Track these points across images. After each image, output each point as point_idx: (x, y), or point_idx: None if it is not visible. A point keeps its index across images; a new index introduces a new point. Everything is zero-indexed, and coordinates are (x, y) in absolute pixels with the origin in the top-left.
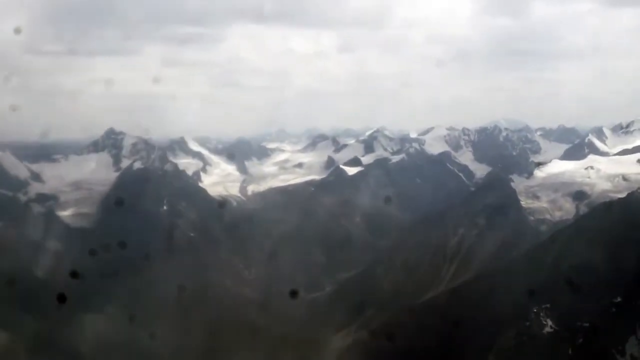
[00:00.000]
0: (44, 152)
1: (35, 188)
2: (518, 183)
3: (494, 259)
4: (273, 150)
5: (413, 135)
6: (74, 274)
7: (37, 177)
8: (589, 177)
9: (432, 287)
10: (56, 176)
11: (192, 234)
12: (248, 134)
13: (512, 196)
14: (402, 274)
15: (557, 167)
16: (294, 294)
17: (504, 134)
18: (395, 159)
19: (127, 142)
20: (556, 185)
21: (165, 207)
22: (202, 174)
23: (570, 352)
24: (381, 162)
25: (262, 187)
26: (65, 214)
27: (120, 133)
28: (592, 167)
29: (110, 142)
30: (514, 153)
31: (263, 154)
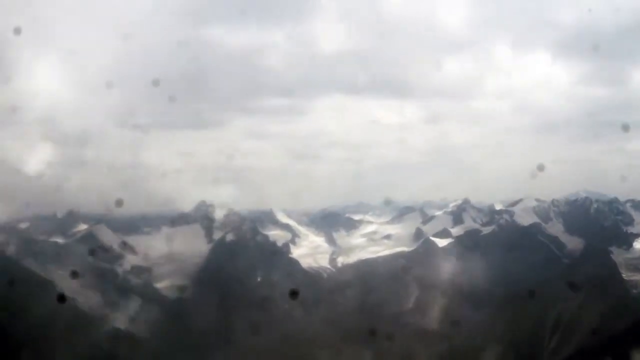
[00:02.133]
0: (135, 225)
1: (129, 260)
2: (617, 255)
3: (598, 333)
4: (360, 222)
5: (498, 207)
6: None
7: (131, 249)
8: None
9: None
10: (149, 248)
11: (286, 306)
12: (328, 205)
13: (613, 269)
14: (502, 348)
15: None
16: (294, 294)
17: (594, 205)
18: (486, 230)
19: (219, 214)
20: None
21: (259, 279)
22: (291, 245)
23: None
24: (472, 234)
25: (352, 258)
26: (160, 285)
27: (211, 205)
28: None
29: (201, 214)
30: (605, 224)
31: (350, 225)
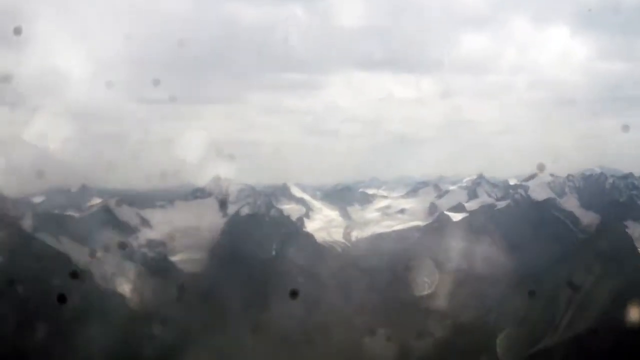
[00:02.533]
0: (150, 199)
1: (145, 234)
2: (633, 230)
3: (613, 309)
4: (374, 197)
5: (512, 181)
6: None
7: (146, 223)
8: None
9: (546, 337)
10: (164, 222)
11: (301, 280)
12: (343, 180)
13: (629, 243)
14: (515, 322)
15: None
16: (293, 294)
17: (610, 180)
18: (501, 205)
19: (234, 189)
20: None
21: (274, 253)
22: (305, 219)
23: None
24: (486, 209)
25: (366, 233)
26: (175, 259)
27: (226, 179)
28: None
29: (216, 189)
30: (621, 200)
31: (365, 200)
